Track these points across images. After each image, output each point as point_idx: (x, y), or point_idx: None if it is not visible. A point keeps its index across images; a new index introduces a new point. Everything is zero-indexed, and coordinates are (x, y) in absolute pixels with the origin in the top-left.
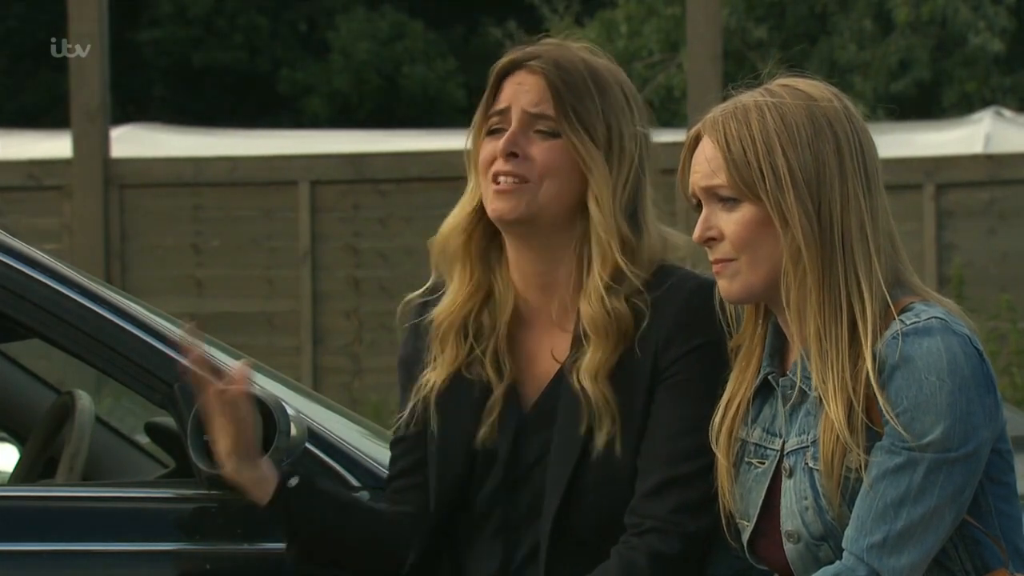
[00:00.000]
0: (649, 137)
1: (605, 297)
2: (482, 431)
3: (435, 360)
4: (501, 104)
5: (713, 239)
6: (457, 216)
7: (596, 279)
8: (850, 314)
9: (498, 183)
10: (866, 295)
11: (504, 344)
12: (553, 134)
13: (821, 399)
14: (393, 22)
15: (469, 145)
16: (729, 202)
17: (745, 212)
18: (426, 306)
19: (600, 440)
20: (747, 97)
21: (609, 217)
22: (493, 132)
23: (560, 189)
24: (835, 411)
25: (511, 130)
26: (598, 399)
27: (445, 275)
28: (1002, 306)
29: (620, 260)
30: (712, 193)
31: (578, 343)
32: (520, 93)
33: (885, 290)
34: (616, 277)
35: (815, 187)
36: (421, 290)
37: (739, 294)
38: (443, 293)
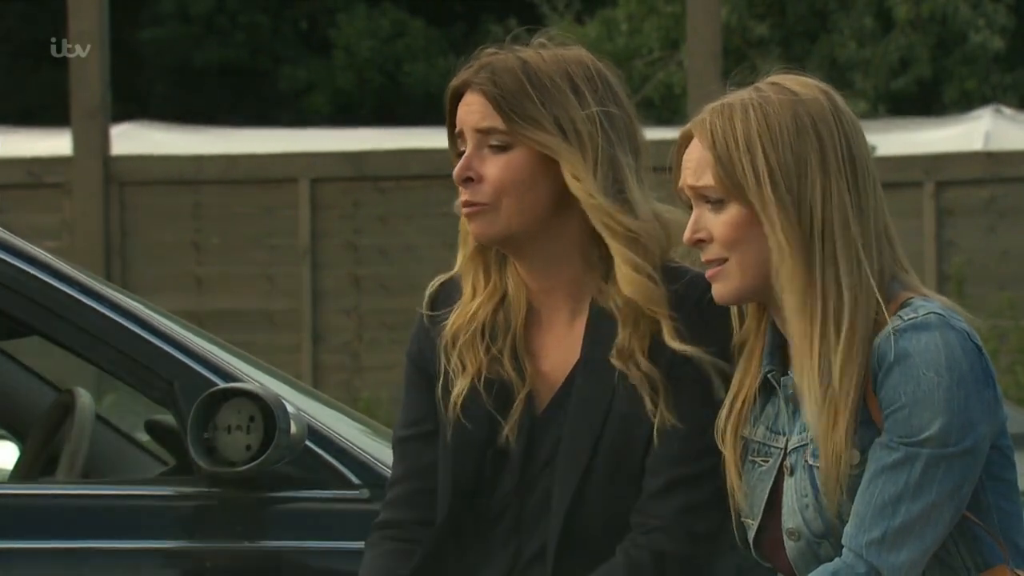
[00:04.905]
0: (615, 114)
1: (639, 263)
2: (505, 430)
3: (456, 372)
4: (457, 129)
5: (702, 240)
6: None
7: (618, 254)
8: (824, 312)
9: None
10: (846, 294)
11: (522, 344)
12: (505, 146)
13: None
14: (394, 20)
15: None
16: (716, 203)
17: (732, 212)
18: (444, 294)
19: (612, 433)
20: (735, 96)
21: (598, 194)
22: (460, 155)
23: (523, 201)
24: (811, 409)
25: (465, 154)
26: (641, 375)
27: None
28: (1004, 304)
29: (630, 226)
30: (700, 194)
31: (590, 341)
32: (468, 114)
33: (875, 287)
34: (635, 248)
35: (795, 185)
36: (449, 275)
37: (729, 297)
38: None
